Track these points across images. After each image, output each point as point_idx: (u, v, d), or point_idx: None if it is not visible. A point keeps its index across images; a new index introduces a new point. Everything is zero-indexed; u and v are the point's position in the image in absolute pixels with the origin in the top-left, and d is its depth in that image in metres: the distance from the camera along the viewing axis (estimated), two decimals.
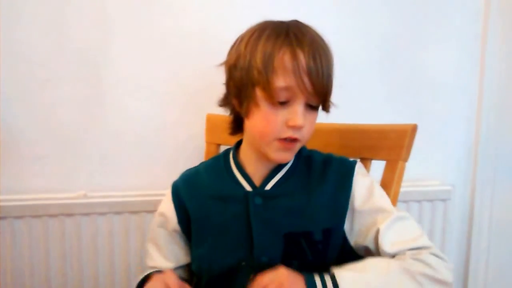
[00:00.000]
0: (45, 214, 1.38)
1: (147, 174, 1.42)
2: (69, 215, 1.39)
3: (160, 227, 1.06)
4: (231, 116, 1.01)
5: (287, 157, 0.95)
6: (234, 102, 0.96)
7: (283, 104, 0.89)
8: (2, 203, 1.35)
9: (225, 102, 1.00)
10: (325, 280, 0.91)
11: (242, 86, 0.91)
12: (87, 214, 1.40)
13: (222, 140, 1.27)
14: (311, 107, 0.91)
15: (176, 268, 1.06)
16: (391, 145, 1.06)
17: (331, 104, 0.94)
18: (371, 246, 0.99)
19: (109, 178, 1.44)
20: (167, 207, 1.05)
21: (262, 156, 0.96)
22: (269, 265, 0.96)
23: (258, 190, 0.98)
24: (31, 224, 1.38)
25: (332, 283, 0.90)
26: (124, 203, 1.39)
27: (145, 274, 0.98)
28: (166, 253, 1.07)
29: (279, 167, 0.99)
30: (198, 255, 1.04)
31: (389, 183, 1.06)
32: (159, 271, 0.96)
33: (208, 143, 1.34)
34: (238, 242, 0.99)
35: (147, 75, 1.41)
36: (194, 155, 1.05)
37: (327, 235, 0.98)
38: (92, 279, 1.42)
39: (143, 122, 1.43)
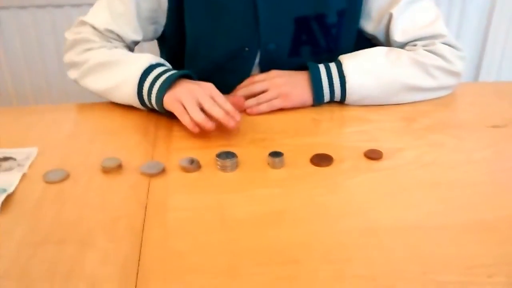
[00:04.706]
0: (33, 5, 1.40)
1: None
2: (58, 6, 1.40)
3: None
4: None
5: None
6: None
7: None
8: None
9: None
10: (330, 68, 0.90)
11: None
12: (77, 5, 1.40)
13: None
14: None
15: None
16: None
17: None
18: (382, 35, 0.97)
19: None
20: None
21: None
22: (276, 52, 0.94)
23: None
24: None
25: (338, 71, 0.89)
26: None
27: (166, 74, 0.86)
28: (136, 22, 0.95)
29: None
30: (194, 36, 0.97)
31: None
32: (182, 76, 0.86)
33: None
34: (242, 26, 0.94)
35: None
36: None
37: (341, 17, 0.95)
38: None
39: None
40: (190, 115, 0.80)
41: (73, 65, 0.94)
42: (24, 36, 1.60)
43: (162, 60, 0.90)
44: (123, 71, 0.88)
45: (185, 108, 0.81)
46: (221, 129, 0.85)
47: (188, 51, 1.00)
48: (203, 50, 0.98)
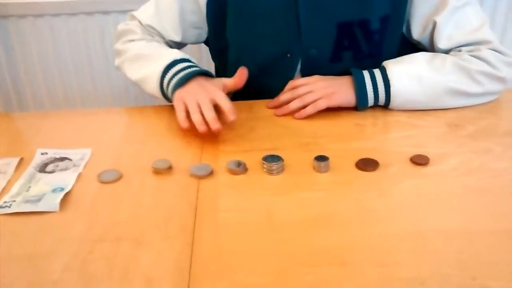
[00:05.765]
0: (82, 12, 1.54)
1: None
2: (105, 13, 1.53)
3: None
4: None
5: None
6: None
7: None
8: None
9: None
10: (374, 73, 0.90)
11: None
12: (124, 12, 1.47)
13: None
14: None
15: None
16: None
17: None
18: (427, 41, 0.96)
19: None
20: None
21: None
22: (317, 57, 0.95)
23: None
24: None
25: (382, 76, 0.89)
26: None
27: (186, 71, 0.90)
28: (177, 22, 1.00)
29: None
30: (238, 42, 1.00)
31: None
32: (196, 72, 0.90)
33: None
34: (284, 32, 0.95)
35: None
36: None
37: (385, 23, 0.94)
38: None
39: None
40: (190, 115, 0.83)
41: (117, 53, 1.02)
42: (73, 42, 1.66)
43: (187, 56, 0.94)
44: (150, 65, 0.94)
45: (187, 107, 0.84)
46: (266, 134, 0.87)
47: (231, 57, 1.02)
48: (246, 55, 1.00)
